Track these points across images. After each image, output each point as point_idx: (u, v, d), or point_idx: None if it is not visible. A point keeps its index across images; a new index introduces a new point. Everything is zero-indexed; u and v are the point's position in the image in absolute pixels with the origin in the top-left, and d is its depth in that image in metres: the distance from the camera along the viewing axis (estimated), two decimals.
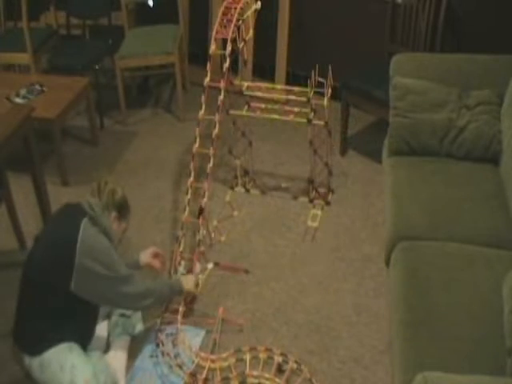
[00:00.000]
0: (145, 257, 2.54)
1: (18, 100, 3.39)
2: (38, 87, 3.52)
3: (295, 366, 2.33)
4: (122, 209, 2.32)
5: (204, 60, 4.02)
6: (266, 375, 2.29)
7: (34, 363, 2.11)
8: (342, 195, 3.28)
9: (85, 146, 3.82)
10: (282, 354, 2.37)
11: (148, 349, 2.43)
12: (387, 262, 2.41)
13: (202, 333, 2.49)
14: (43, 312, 2.13)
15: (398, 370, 1.88)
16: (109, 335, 2.41)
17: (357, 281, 2.74)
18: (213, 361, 2.35)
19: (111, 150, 3.77)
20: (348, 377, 2.31)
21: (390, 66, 2.87)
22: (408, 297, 2.07)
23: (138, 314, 2.49)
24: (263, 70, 4.27)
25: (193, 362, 2.35)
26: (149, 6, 4.36)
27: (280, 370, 2.32)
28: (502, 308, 1.81)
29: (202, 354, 2.37)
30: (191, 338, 2.45)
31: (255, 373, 2.30)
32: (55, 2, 4.32)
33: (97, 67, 3.92)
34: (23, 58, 3.90)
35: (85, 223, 2.12)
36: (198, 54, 4.47)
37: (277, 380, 2.27)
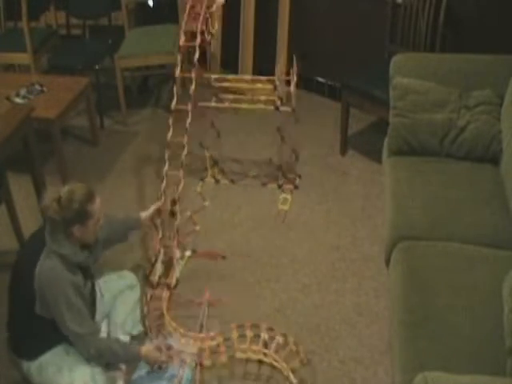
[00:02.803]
0: (146, 213, 2.60)
1: (18, 100, 3.39)
2: (37, 87, 3.52)
3: (281, 339, 2.37)
4: (82, 214, 2.05)
5: (204, 60, 4.03)
6: (254, 347, 2.34)
7: (32, 367, 2.09)
8: (343, 195, 3.28)
9: (85, 145, 3.82)
10: (269, 329, 2.41)
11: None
12: (387, 262, 2.41)
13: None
14: (34, 317, 2.07)
15: (398, 370, 1.88)
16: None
17: (357, 281, 2.74)
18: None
19: (111, 150, 3.77)
20: (348, 377, 2.31)
21: (390, 66, 2.87)
22: (408, 297, 2.07)
23: (138, 315, 2.48)
24: (263, 71, 4.25)
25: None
26: (149, 5, 4.36)
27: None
28: (502, 308, 1.81)
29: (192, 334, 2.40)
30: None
31: (243, 346, 2.35)
32: (55, 2, 4.32)
33: (97, 67, 3.92)
34: (23, 57, 3.90)
35: (43, 258, 2.02)
36: None
37: (265, 351, 2.31)
